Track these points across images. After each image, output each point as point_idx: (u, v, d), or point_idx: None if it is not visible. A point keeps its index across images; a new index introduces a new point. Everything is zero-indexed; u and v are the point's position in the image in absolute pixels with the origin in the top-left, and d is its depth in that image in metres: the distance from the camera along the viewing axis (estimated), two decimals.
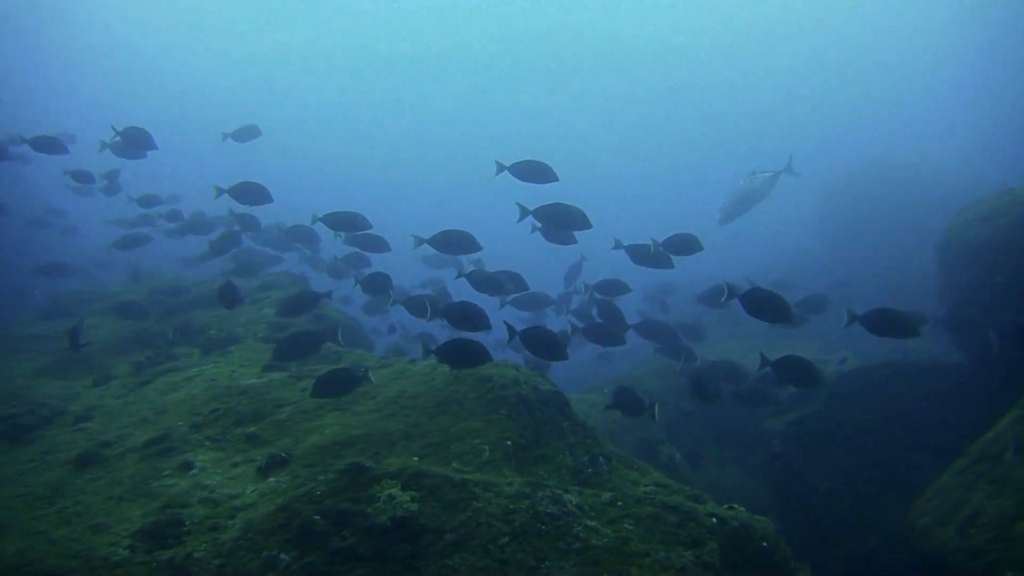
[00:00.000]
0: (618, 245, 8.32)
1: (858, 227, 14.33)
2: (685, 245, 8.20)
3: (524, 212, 7.78)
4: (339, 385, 6.36)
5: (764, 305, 6.57)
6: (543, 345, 6.52)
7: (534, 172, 8.11)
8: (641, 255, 8.20)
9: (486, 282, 7.87)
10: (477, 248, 7.84)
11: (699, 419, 10.16)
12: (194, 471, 6.10)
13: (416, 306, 7.79)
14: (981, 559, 5.46)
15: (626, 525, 5.19)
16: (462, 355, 6.17)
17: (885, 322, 6.76)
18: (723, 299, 6.84)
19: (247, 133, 10.98)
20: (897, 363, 9.18)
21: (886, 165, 17.06)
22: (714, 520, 5.45)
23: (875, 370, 9.40)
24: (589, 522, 5.12)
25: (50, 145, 9.70)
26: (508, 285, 8.02)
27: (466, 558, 4.78)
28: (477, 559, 4.77)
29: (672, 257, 8.21)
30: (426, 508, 5.03)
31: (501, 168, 8.22)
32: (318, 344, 7.07)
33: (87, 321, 10.25)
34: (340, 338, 6.99)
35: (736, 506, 5.99)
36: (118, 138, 9.43)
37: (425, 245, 7.99)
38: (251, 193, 9.06)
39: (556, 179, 8.16)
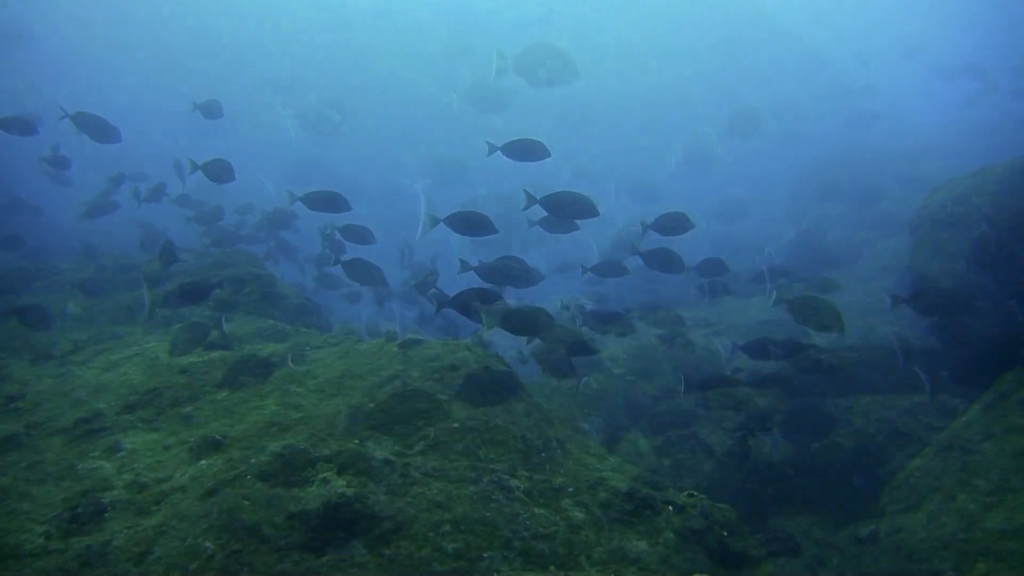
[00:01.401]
0: (634, 250, 8.05)
1: (833, 210, 14.12)
2: (676, 224, 7.96)
3: (531, 200, 7.46)
4: (249, 372, 6.00)
5: (814, 312, 6.44)
6: (571, 343, 6.20)
7: (527, 150, 7.95)
8: (656, 259, 7.96)
9: (496, 272, 7.51)
10: (494, 231, 7.55)
11: (668, 403, 9.86)
12: (122, 453, 5.72)
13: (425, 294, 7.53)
14: (951, 550, 5.22)
15: (577, 513, 4.88)
16: (525, 323, 5.84)
17: (935, 302, 6.59)
18: (771, 304, 6.72)
19: (212, 109, 10.80)
20: (865, 346, 8.89)
21: (860, 149, 16.87)
22: (671, 508, 5.18)
23: (842, 353, 9.12)
24: (537, 509, 4.81)
25: (20, 126, 9.56)
26: (518, 272, 7.69)
27: (404, 546, 4.46)
28: (415, 548, 4.45)
29: (683, 261, 8.03)
30: (363, 493, 4.69)
31: (493, 148, 8.03)
32: (206, 293, 7.22)
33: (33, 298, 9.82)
34: (224, 326, 6.85)
35: (696, 493, 5.73)
36: (67, 119, 9.27)
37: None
38: (220, 171, 9.17)
39: (548, 155, 8.03)
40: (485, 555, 4.38)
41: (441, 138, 16.42)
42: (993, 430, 7.14)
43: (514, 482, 4.90)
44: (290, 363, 6.09)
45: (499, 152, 8.08)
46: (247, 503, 4.69)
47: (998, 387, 6.86)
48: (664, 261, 8.01)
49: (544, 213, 7.76)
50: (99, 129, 9.42)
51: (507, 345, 9.10)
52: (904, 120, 20.27)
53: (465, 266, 7.50)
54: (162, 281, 7.99)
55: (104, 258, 11.68)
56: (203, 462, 5.42)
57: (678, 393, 7.63)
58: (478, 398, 5.72)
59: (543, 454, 5.56)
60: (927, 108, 24.91)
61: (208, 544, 4.47)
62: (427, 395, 5.63)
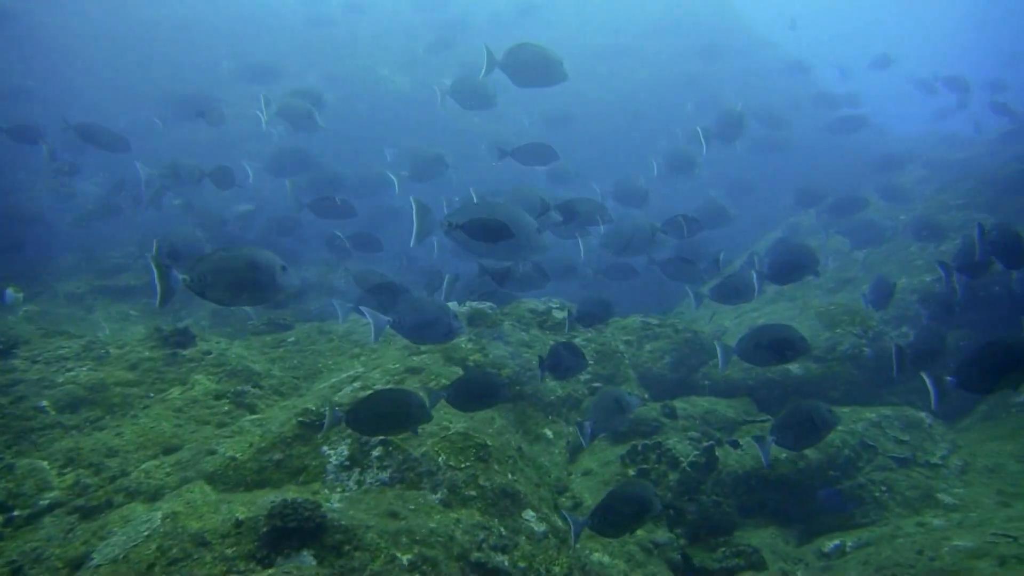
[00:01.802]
0: (651, 262, 7.90)
1: (810, 219, 14.10)
2: (689, 227, 7.83)
3: (545, 206, 7.26)
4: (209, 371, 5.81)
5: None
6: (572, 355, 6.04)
7: (537, 154, 8.04)
8: (677, 270, 7.80)
9: (508, 275, 7.31)
10: (511, 236, 7.31)
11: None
12: (68, 453, 5.47)
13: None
14: (918, 568, 5.14)
15: (539, 524, 4.73)
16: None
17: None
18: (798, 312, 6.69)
19: (215, 116, 10.82)
20: (833, 358, 8.72)
21: (840, 157, 16.91)
22: (671, 512, 5.19)
23: (808, 364, 8.98)
24: (498, 520, 4.65)
25: (26, 134, 9.75)
26: (529, 275, 7.50)
27: (357, 557, 4.26)
28: (368, 559, 4.25)
29: (699, 268, 7.94)
30: (315, 501, 4.49)
31: (503, 154, 8.01)
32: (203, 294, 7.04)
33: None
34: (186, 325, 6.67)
35: (697, 497, 5.73)
36: (70, 129, 9.38)
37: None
38: (225, 178, 9.54)
39: (558, 158, 8.11)
40: (442, 567, 4.21)
41: (422, 133, 16.13)
42: (963, 443, 7.11)
43: (473, 492, 4.74)
44: (258, 364, 5.88)
45: (487, 152, 7.97)
46: (193, 509, 4.48)
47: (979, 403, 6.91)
48: (682, 271, 7.81)
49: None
50: (104, 139, 9.46)
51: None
52: (885, 131, 20.37)
53: (483, 270, 7.35)
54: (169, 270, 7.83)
55: (102, 261, 11.56)
56: (150, 464, 5.21)
57: (644, 401, 7.50)
58: (456, 401, 5.53)
59: (508, 461, 5.41)
60: (909, 119, 25.10)
61: (149, 551, 4.25)
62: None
